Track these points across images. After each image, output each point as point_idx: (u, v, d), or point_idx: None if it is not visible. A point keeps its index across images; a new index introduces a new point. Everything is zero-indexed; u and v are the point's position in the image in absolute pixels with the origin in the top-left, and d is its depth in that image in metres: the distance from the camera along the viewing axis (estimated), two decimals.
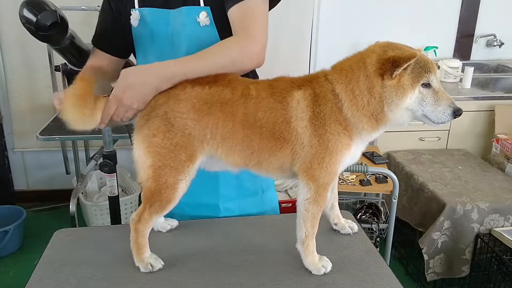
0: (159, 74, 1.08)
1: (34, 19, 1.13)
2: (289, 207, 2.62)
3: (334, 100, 1.04)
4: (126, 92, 1.07)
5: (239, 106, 1.07)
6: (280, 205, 2.60)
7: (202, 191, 1.36)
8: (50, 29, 1.15)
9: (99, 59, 1.35)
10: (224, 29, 1.23)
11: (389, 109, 1.01)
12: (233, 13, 1.19)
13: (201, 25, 1.23)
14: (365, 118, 1.03)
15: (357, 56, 1.06)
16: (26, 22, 1.16)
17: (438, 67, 3.21)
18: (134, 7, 1.29)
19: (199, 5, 1.23)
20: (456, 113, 1.02)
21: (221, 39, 1.23)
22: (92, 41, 1.39)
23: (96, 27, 1.38)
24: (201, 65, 1.11)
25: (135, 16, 1.29)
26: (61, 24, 1.20)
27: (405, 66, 0.98)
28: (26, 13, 1.13)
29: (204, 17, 1.23)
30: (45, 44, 2.55)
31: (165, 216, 1.24)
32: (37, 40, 1.23)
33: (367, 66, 1.02)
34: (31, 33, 1.21)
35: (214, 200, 1.40)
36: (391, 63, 0.98)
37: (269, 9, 1.26)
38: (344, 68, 1.06)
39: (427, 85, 1.01)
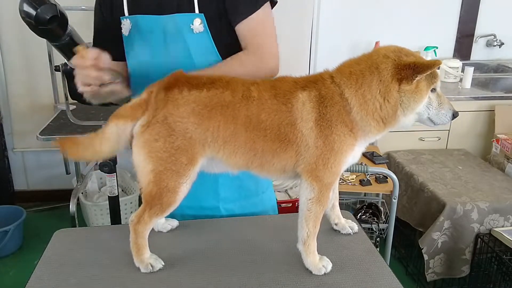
0: None
1: (33, 12, 1.13)
2: (289, 207, 2.62)
3: (342, 103, 1.05)
4: None
5: (241, 108, 1.07)
6: (280, 205, 2.62)
7: (202, 194, 1.36)
8: (49, 22, 1.15)
9: None
10: (218, 35, 1.24)
11: (403, 113, 1.04)
12: (243, 28, 1.23)
13: (194, 31, 1.23)
14: (374, 121, 1.05)
15: (367, 60, 1.06)
16: (26, 16, 1.16)
17: (438, 68, 3.21)
18: (124, 15, 1.27)
19: (194, 11, 1.23)
20: (455, 115, 1.10)
21: (216, 45, 1.25)
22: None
23: (93, 37, 1.37)
24: None
25: (126, 26, 1.28)
26: (60, 18, 1.20)
27: (428, 72, 1.01)
28: (26, 7, 1.13)
29: (198, 24, 1.23)
30: (45, 44, 2.53)
31: (165, 217, 1.24)
32: (37, 40, 1.23)
33: (382, 72, 1.02)
34: (30, 28, 1.20)
35: (214, 202, 1.40)
36: (412, 69, 1.00)
37: None
38: (354, 72, 1.05)
39: (433, 90, 1.06)
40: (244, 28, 1.24)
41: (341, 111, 1.05)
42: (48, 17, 1.13)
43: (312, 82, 1.09)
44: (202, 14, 1.23)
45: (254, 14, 1.23)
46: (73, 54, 1.43)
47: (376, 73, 1.03)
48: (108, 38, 1.32)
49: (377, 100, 1.03)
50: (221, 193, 1.39)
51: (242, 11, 1.23)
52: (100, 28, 1.36)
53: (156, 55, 1.28)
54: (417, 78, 1.01)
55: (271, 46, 1.26)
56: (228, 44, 1.27)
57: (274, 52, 1.26)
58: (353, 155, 1.09)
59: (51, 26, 1.16)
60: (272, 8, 1.29)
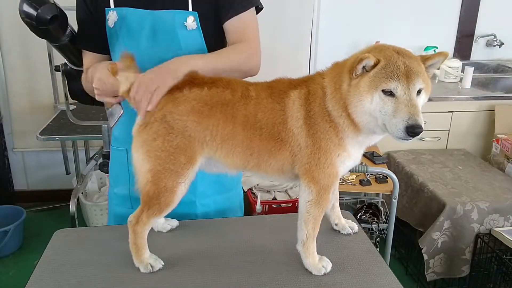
0: (189, 65, 1.13)
1: (34, 13, 1.13)
2: (289, 207, 2.62)
3: (322, 96, 1.05)
4: (151, 77, 1.09)
5: (240, 107, 1.07)
6: (280, 205, 2.63)
7: None
8: (50, 23, 1.14)
9: (93, 59, 1.34)
10: (208, 33, 1.27)
11: (350, 109, 1.00)
12: (233, 24, 1.28)
13: (187, 29, 1.25)
14: (344, 112, 1.02)
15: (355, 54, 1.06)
16: (26, 17, 1.15)
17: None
18: (109, 6, 1.27)
19: (187, 9, 1.24)
20: (409, 129, 0.92)
21: (206, 43, 1.28)
22: (77, 44, 1.37)
23: (78, 30, 1.37)
24: (221, 61, 1.19)
25: (112, 17, 1.27)
26: (61, 17, 1.19)
27: (360, 66, 0.97)
28: (26, 7, 1.12)
29: (191, 21, 1.25)
30: (45, 44, 2.53)
31: (165, 217, 1.24)
32: (37, 40, 1.22)
33: (346, 63, 1.03)
34: (31, 29, 1.20)
35: (191, 197, 1.40)
36: (358, 63, 0.97)
37: None
38: (337, 64, 1.07)
39: (390, 93, 0.95)
40: (237, 23, 1.27)
41: (321, 104, 1.04)
42: (49, 17, 1.13)
43: (305, 81, 1.09)
44: (196, 12, 1.25)
45: (247, 11, 1.27)
46: (74, 56, 1.43)
47: (345, 65, 1.03)
48: (92, 29, 1.32)
49: (338, 90, 1.02)
50: (198, 188, 1.39)
51: (236, 7, 1.26)
52: (84, 20, 1.34)
53: (143, 48, 1.27)
54: (356, 72, 0.97)
55: (258, 42, 1.30)
56: (215, 42, 1.30)
57: (260, 51, 1.29)
58: (348, 156, 1.07)
59: (51, 27, 1.16)
60: (257, 13, 1.33)
